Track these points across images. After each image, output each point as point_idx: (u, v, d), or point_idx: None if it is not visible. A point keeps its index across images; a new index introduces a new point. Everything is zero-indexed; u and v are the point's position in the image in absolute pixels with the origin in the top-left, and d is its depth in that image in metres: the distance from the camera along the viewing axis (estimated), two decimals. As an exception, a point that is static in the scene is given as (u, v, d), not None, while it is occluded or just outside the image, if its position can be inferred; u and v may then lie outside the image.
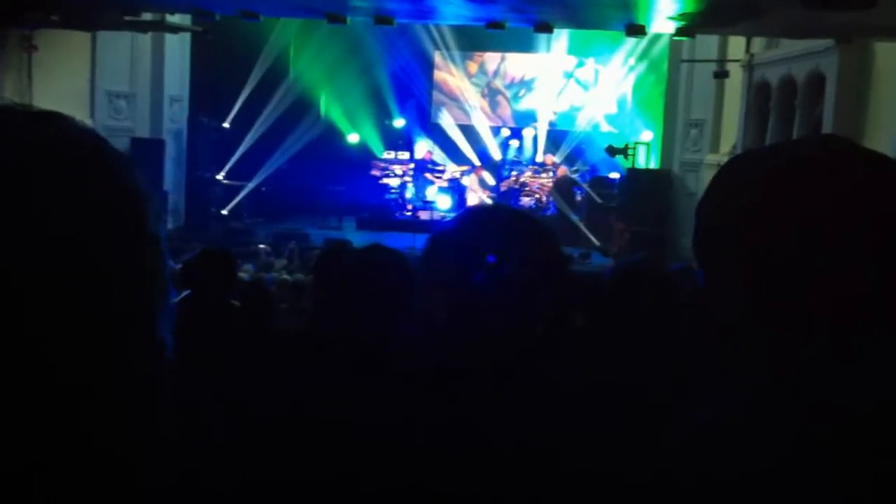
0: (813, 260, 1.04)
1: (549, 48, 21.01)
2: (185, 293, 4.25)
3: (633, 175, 18.38)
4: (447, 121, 22.68)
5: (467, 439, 1.44)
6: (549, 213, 19.90)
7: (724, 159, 14.78)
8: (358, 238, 16.26)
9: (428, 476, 1.43)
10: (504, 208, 1.79)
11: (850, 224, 1.03)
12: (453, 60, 22.75)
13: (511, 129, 22.46)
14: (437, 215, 19.49)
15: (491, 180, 21.21)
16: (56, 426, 0.79)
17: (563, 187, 19.93)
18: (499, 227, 1.55)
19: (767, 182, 1.10)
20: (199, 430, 1.11)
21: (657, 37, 16.16)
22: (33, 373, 0.78)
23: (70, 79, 16.73)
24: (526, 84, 23.18)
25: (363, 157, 21.63)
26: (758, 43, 15.51)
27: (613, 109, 22.07)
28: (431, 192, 20.70)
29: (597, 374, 2.54)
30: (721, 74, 16.11)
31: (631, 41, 16.70)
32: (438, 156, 21.73)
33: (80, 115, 16.73)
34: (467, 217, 1.64)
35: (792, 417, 1.08)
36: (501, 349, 1.52)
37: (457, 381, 1.48)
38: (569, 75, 22.61)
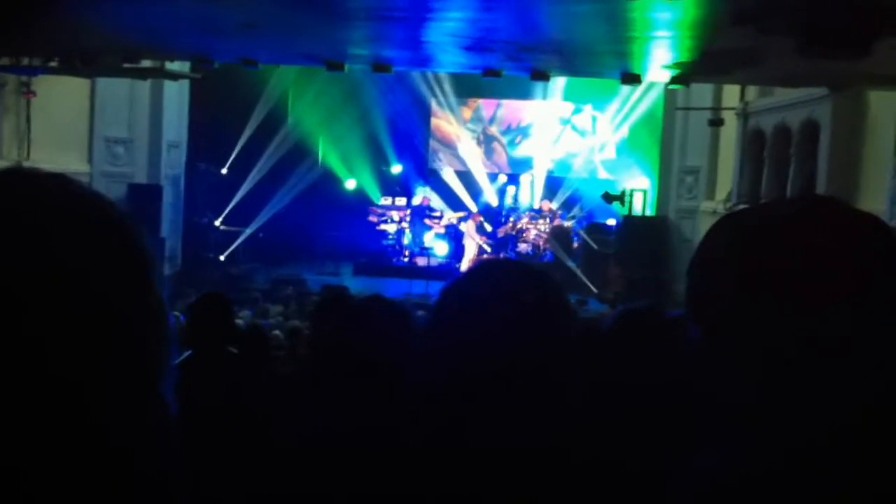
0: (802, 316, 1.06)
1: (545, 95, 21.12)
2: (186, 353, 4.24)
3: (630, 222, 18.44)
4: (444, 167, 22.76)
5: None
6: (545, 259, 19.91)
7: (720, 206, 14.78)
8: (355, 284, 16.25)
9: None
10: (515, 263, 1.79)
11: (839, 283, 1.05)
12: (449, 107, 22.82)
13: (508, 175, 22.54)
14: (434, 261, 19.50)
15: (488, 226, 21.24)
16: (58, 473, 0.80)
17: (560, 234, 19.98)
18: (510, 280, 1.55)
19: (756, 244, 1.11)
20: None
21: (653, 84, 16.29)
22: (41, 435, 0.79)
23: (68, 124, 16.82)
24: (522, 130, 23.25)
25: (360, 202, 21.67)
26: (752, 91, 15.62)
27: (611, 156, 22.17)
28: (429, 238, 20.71)
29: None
30: (716, 122, 16.19)
31: (628, 88, 16.83)
32: (436, 202, 21.78)
33: (79, 160, 16.81)
34: (479, 272, 1.64)
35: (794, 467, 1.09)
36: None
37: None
38: (565, 122, 22.71)
